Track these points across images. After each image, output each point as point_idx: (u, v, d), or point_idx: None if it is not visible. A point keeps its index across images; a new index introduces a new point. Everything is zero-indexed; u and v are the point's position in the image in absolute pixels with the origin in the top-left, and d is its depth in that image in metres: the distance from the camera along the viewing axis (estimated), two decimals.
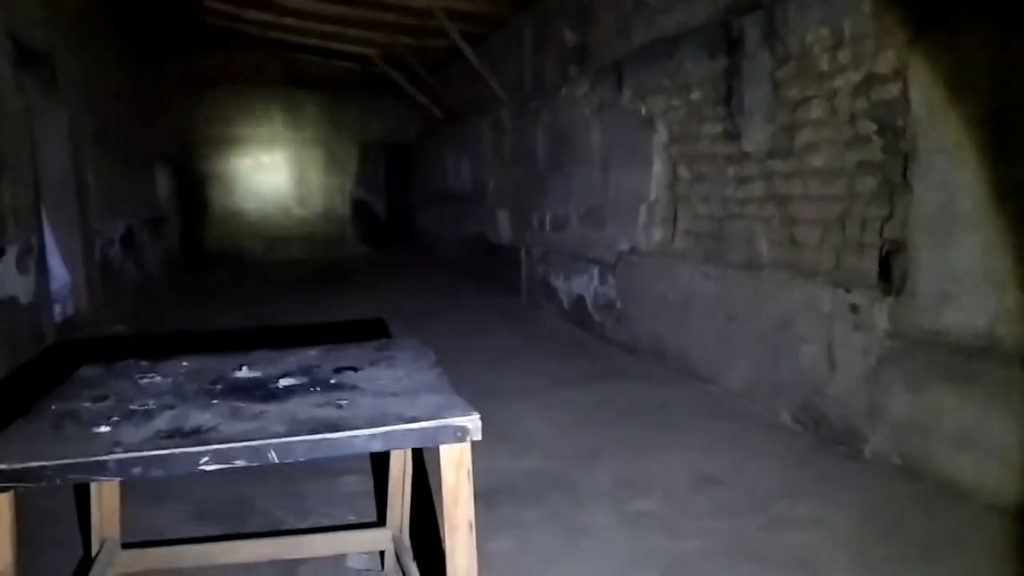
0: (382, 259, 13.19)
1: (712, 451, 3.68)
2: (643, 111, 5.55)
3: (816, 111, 3.88)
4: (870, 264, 3.57)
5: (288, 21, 10.12)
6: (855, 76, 3.60)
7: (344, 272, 11.49)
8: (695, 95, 4.92)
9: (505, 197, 8.97)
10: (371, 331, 6.24)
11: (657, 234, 5.47)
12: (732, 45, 4.49)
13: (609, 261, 6.14)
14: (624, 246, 5.92)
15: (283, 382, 2.11)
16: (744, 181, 4.50)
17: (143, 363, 2.33)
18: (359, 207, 14.87)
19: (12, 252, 4.55)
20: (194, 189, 12.88)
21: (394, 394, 1.97)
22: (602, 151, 6.25)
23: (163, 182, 10.89)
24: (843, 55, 3.67)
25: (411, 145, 13.94)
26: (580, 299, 6.73)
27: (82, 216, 6.36)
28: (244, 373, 2.21)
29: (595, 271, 6.40)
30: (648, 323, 5.54)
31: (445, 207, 11.98)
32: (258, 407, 1.88)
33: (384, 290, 9.38)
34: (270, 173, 13.63)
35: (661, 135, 5.35)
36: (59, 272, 6.18)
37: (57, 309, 6.12)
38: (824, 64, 3.80)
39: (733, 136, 4.55)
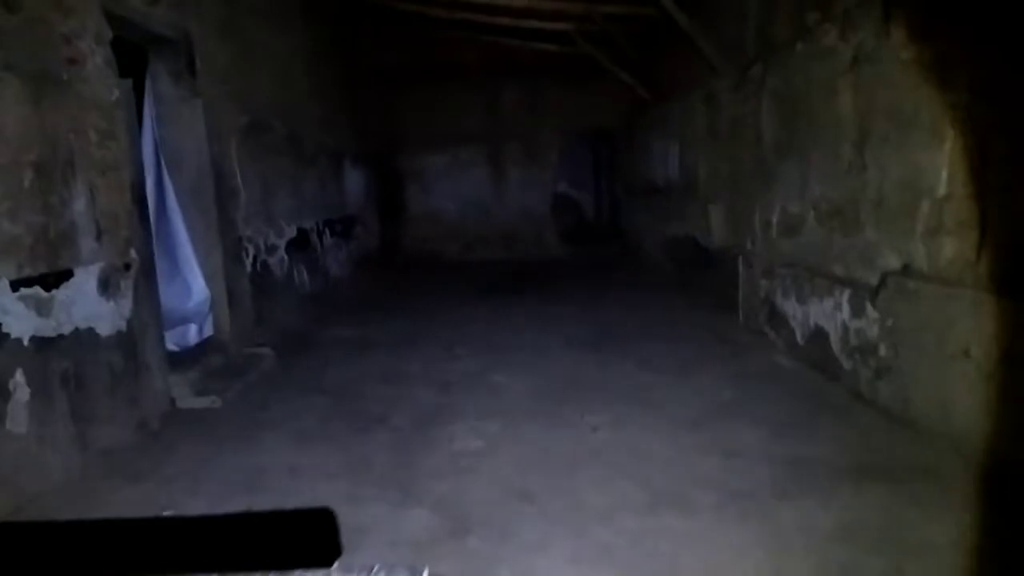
0: (582, 262, 11.79)
1: None
2: (926, 58, 3.64)
3: None
4: None
5: None
6: None
7: (537, 277, 10.26)
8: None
9: (719, 189, 7.19)
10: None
11: (949, 247, 3.53)
12: None
13: (867, 283, 4.24)
14: (892, 262, 4.01)
15: None
16: None
17: None
18: (562, 204, 13.73)
19: (91, 272, 3.75)
20: (391, 187, 12.53)
21: None
22: (856, 121, 4.35)
23: (355, 180, 10.47)
24: None
25: (617, 133, 12.42)
26: (820, 333, 4.85)
27: (223, 222, 5.66)
28: None
29: (844, 296, 4.51)
30: (933, 384, 3.61)
31: (651, 202, 10.35)
32: None
33: (567, 303, 7.95)
34: (468, 169, 12.86)
35: (957, 92, 3.42)
36: (197, 288, 5.53)
37: (193, 330, 5.48)
38: None
39: None
